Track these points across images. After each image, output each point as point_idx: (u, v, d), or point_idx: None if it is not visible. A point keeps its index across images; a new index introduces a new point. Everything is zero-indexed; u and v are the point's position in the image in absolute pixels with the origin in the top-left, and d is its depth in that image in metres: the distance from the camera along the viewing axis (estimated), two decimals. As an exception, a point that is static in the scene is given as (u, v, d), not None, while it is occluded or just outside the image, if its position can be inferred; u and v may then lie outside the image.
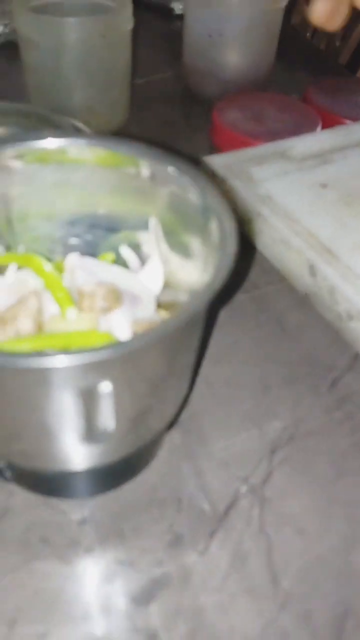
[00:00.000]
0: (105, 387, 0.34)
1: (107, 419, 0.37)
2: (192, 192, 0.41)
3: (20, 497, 0.46)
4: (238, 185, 0.70)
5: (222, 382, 0.54)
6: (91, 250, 0.50)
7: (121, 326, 0.41)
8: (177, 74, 0.94)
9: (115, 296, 0.41)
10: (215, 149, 0.79)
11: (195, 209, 0.41)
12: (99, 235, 0.49)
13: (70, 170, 0.45)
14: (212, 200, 0.40)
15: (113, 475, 0.46)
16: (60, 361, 0.30)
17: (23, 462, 0.41)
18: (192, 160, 0.45)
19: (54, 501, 0.46)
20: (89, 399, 0.35)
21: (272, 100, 0.84)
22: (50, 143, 0.44)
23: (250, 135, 0.78)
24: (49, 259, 0.49)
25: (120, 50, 0.75)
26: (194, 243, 0.43)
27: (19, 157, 0.43)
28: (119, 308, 0.41)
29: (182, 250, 0.45)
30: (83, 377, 0.33)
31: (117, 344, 0.31)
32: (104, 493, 0.46)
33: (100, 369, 0.33)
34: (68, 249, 0.49)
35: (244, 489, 0.47)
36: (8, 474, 0.44)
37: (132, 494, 0.46)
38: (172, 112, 0.87)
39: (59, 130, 0.68)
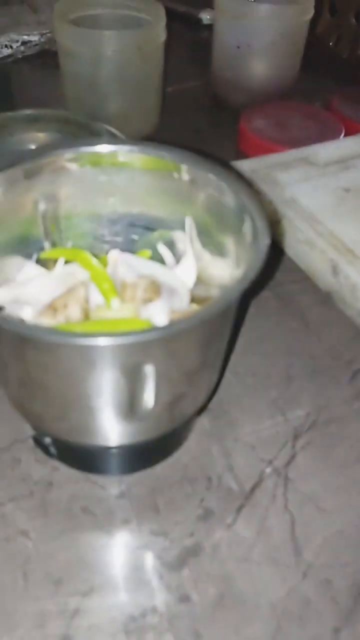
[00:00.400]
0: (146, 368, 0.38)
1: (146, 398, 0.41)
2: (228, 195, 0.45)
3: (64, 472, 0.50)
4: (264, 189, 0.74)
5: (249, 372, 0.58)
6: (130, 247, 0.54)
7: (160, 315, 0.45)
8: (206, 83, 0.99)
9: (155, 288, 0.45)
10: (241, 154, 0.83)
11: (230, 210, 0.45)
12: (137, 233, 0.53)
13: (115, 173, 0.49)
14: (247, 201, 0.44)
15: (149, 454, 0.50)
16: (107, 340, 0.34)
17: (68, 437, 0.45)
18: (222, 163, 0.48)
19: (94, 477, 0.50)
20: (130, 379, 0.39)
21: (297, 108, 0.88)
22: (103, 148, 0.48)
23: (276, 142, 0.81)
24: (93, 255, 0.54)
25: (154, 61, 0.79)
26: (227, 242, 0.47)
27: (74, 160, 0.47)
28: (158, 299, 0.45)
29: (215, 248, 0.49)
30: (126, 357, 0.37)
31: (158, 328, 0.35)
32: (140, 471, 0.50)
33: (142, 349, 0.37)
34: (109, 245, 0.54)
35: (269, 470, 0.51)
36: (53, 450, 0.49)
37: (166, 472, 0.50)
38: (200, 119, 0.91)
39: (96, 135, 0.72)
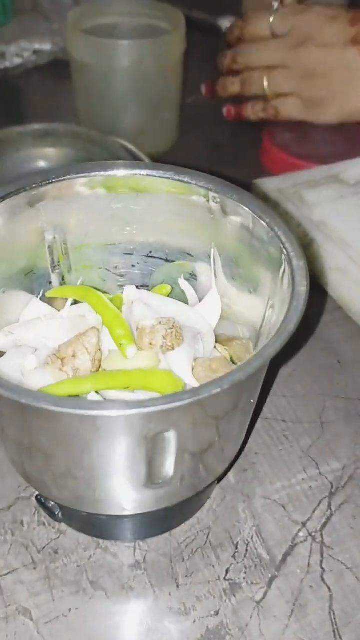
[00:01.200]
0: (166, 435, 0.33)
1: (165, 467, 0.35)
2: (258, 224, 0.40)
3: (71, 537, 0.44)
4: (292, 210, 0.68)
5: (278, 417, 0.52)
6: (146, 281, 0.49)
7: (183, 365, 0.39)
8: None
9: (177, 333, 0.40)
10: (266, 171, 0.77)
11: (261, 242, 0.40)
12: (155, 265, 0.48)
13: (133, 199, 0.43)
14: (283, 237, 0.39)
15: (167, 518, 0.44)
16: (120, 411, 0.29)
17: (76, 506, 0.39)
18: (244, 185, 0.43)
19: (105, 543, 0.44)
20: (147, 447, 0.33)
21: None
22: (120, 172, 0.43)
23: (302, 158, 0.76)
24: (101, 289, 0.48)
25: (173, 72, 0.74)
26: (258, 276, 0.41)
27: (86, 185, 0.42)
28: (180, 346, 0.40)
29: (244, 283, 0.43)
30: (143, 426, 0.31)
31: (181, 395, 0.29)
32: (156, 535, 0.44)
33: (162, 418, 0.31)
34: (123, 279, 0.48)
35: (302, 534, 0.45)
36: (59, 513, 0.43)
37: (187, 536, 0.45)
38: (220, 133, 0.86)
39: (110, 151, 0.67)
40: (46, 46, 1.04)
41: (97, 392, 0.36)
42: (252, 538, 0.45)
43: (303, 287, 0.35)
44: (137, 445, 0.32)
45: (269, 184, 0.71)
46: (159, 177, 0.42)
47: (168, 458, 0.34)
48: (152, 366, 0.39)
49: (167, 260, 0.47)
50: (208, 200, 0.41)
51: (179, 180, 0.42)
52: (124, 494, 0.37)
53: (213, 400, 0.31)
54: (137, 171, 0.42)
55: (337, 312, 0.62)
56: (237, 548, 0.44)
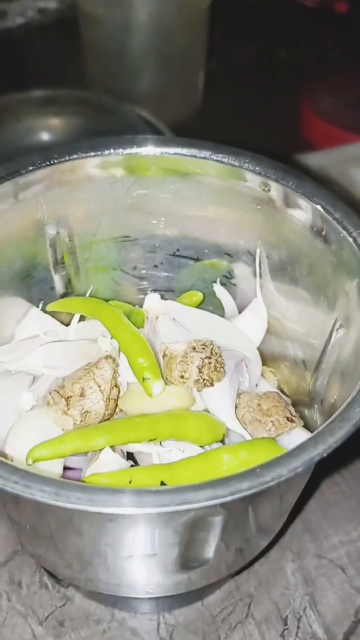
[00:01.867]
0: (203, 525, 0.24)
1: (202, 553, 0.26)
2: (322, 219, 0.30)
3: (80, 605, 0.36)
4: (338, 191, 0.58)
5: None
6: (170, 284, 0.39)
7: (224, 405, 0.30)
8: (257, 55, 0.82)
9: (217, 363, 0.30)
10: (306, 145, 0.67)
11: (330, 244, 0.30)
12: (181, 264, 0.39)
13: (159, 185, 0.34)
14: (355, 233, 0.29)
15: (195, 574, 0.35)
16: (140, 509, 0.19)
17: (92, 588, 0.31)
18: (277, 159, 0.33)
19: (122, 614, 0.35)
20: (183, 532, 0.24)
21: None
22: (146, 150, 0.33)
23: (351, 129, 0.65)
24: (116, 296, 0.39)
25: (198, 28, 0.64)
26: (325, 287, 0.32)
27: (98, 166, 0.33)
28: (221, 379, 0.30)
29: (302, 292, 0.34)
30: (177, 518, 0.22)
31: (241, 480, 0.20)
32: (184, 606, 0.36)
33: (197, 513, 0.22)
34: (145, 283, 0.39)
35: (367, 605, 0.36)
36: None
37: (222, 606, 0.36)
38: (252, 99, 0.75)
39: (124, 121, 0.57)
40: (52, 3, 0.93)
41: (112, 447, 0.27)
42: (304, 610, 0.36)
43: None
44: (169, 532, 0.23)
45: (310, 160, 0.61)
46: (198, 157, 0.32)
47: (209, 542, 0.25)
48: (184, 407, 0.29)
49: (197, 260, 0.38)
50: (259, 187, 0.32)
51: (224, 162, 0.32)
52: (147, 579, 0.28)
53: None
54: (168, 149, 0.32)
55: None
56: (286, 624, 0.35)
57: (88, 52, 0.67)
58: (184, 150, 0.33)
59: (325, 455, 0.21)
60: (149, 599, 0.35)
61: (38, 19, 0.92)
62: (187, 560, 0.26)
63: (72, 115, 0.59)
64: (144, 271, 0.39)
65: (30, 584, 0.37)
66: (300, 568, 0.38)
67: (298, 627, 0.35)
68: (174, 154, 0.33)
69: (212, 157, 0.33)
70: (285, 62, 0.81)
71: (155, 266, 0.38)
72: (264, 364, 0.38)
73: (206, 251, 0.37)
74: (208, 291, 0.39)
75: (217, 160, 0.33)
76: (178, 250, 0.38)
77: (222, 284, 0.38)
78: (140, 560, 0.26)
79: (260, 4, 0.82)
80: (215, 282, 0.38)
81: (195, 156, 0.33)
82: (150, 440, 0.28)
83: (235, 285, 0.38)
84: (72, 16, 0.80)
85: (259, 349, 0.37)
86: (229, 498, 0.19)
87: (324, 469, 0.42)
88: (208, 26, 0.66)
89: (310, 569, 0.37)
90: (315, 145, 0.65)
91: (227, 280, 0.38)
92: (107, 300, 0.37)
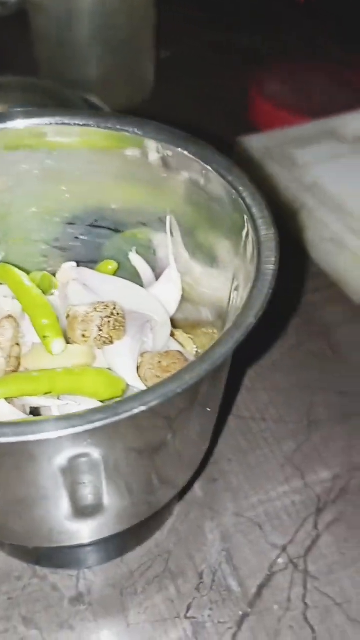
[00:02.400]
0: (93, 456, 0.25)
1: (96, 492, 0.27)
2: (217, 182, 0.32)
3: (2, 563, 0.37)
4: (279, 172, 0.59)
5: (257, 416, 0.44)
6: (93, 255, 0.40)
7: (125, 361, 0.31)
8: (207, 43, 0.83)
9: (117, 322, 0.31)
10: (253, 127, 0.68)
11: (222, 203, 0.32)
12: (101, 235, 0.40)
13: (63, 157, 0.35)
14: (245, 193, 0.30)
15: (117, 540, 0.37)
16: (18, 436, 0.21)
17: (5, 539, 0.32)
18: (222, 142, 0.35)
19: (44, 571, 0.37)
20: (72, 471, 0.25)
21: (319, 69, 0.73)
22: (41, 121, 0.34)
23: (294, 112, 0.66)
24: (44, 268, 0.40)
25: (143, 14, 0.65)
26: (221, 247, 0.33)
27: (2, 139, 0.34)
28: (121, 337, 0.32)
29: (206, 255, 0.35)
30: (64, 449, 0.24)
31: (102, 410, 0.21)
32: (104, 563, 0.37)
33: (82, 439, 0.23)
34: (65, 254, 0.40)
35: (282, 560, 0.37)
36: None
37: (141, 562, 0.37)
38: (204, 85, 0.76)
39: (71, 106, 0.59)
40: (13, -4, 0.94)
41: (7, 400, 0.28)
42: (220, 565, 0.37)
43: (271, 265, 0.27)
44: (49, 472, 0.25)
45: (254, 142, 0.62)
46: (85, 126, 0.33)
47: (96, 486, 0.27)
48: (85, 364, 0.31)
49: (116, 231, 0.39)
50: (147, 153, 0.33)
51: (108, 128, 0.33)
52: (50, 526, 0.29)
53: (143, 417, 0.23)
54: (59, 119, 0.33)
55: (331, 290, 0.54)
56: (201, 578, 0.37)
57: (37, 40, 0.68)
58: (93, 122, 0.34)
59: (179, 390, 0.22)
60: (70, 555, 0.36)
61: (-1, 13, 0.93)
62: (79, 506, 0.28)
63: (17, 101, 0.60)
64: (65, 243, 0.40)
65: None
66: (218, 526, 0.39)
67: (213, 581, 0.37)
68: (84, 125, 0.34)
69: (117, 128, 0.34)
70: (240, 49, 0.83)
71: (76, 238, 0.39)
72: (184, 331, 0.39)
73: (123, 222, 0.39)
74: (129, 261, 0.40)
75: (122, 130, 0.34)
76: (96, 221, 0.39)
77: (141, 253, 0.39)
78: (37, 505, 0.27)
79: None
80: (129, 251, 0.39)
81: (108, 128, 0.34)
82: (47, 393, 0.29)
83: (155, 254, 0.39)
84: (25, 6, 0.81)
85: (177, 317, 0.38)
86: (81, 429, 0.21)
87: (249, 432, 0.43)
88: (154, 13, 0.67)
89: (228, 527, 0.39)
90: (262, 127, 0.67)
91: (147, 250, 0.39)
92: (29, 273, 0.39)
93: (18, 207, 0.37)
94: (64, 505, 0.27)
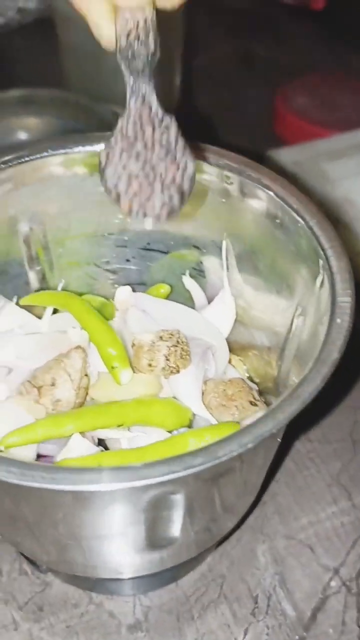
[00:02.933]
0: (171, 499, 0.25)
1: (170, 530, 0.27)
2: (284, 210, 0.32)
3: (59, 590, 0.37)
4: (311, 186, 0.59)
5: (302, 437, 0.44)
6: (142, 277, 0.40)
7: (190, 391, 0.31)
8: (233, 52, 0.83)
9: (183, 351, 0.31)
10: (279, 141, 0.68)
11: (287, 231, 0.32)
12: (152, 258, 0.40)
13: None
14: (316, 227, 0.30)
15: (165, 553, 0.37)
16: (114, 484, 0.21)
17: (66, 571, 0.32)
18: (249, 154, 0.35)
19: (100, 597, 0.37)
20: (148, 510, 0.25)
21: (346, 81, 0.73)
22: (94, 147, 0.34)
23: (322, 124, 0.66)
24: (92, 290, 0.40)
25: (173, 27, 0.64)
26: (285, 275, 0.33)
27: (67, 164, 0.34)
28: (187, 366, 0.32)
29: (265, 281, 0.35)
30: (139, 495, 0.24)
31: (192, 458, 0.21)
32: (160, 588, 0.37)
33: (166, 485, 0.23)
34: (116, 276, 0.40)
35: (334, 583, 0.37)
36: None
37: (195, 587, 0.37)
38: (228, 97, 0.76)
39: (102, 120, 0.58)
40: (31, 3, 0.93)
41: (82, 434, 0.28)
42: (274, 589, 0.37)
43: (347, 298, 0.27)
44: (134, 510, 0.25)
45: (284, 156, 0.62)
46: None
47: (174, 520, 0.27)
48: (152, 394, 0.31)
49: (167, 253, 0.39)
50: (222, 181, 0.33)
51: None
52: (120, 559, 0.29)
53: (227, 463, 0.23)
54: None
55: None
56: (256, 602, 0.37)
57: (65, 53, 0.67)
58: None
59: (275, 431, 0.22)
60: (125, 581, 0.36)
61: (17, 19, 0.93)
62: (154, 539, 0.28)
63: (49, 115, 0.60)
64: (116, 265, 0.40)
65: (10, 571, 0.38)
66: (270, 549, 0.39)
67: (268, 605, 0.37)
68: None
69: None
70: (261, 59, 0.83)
71: (127, 260, 0.40)
72: (234, 353, 0.39)
73: (177, 245, 0.39)
74: (179, 284, 0.40)
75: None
76: (149, 244, 0.39)
77: (192, 276, 0.39)
78: (109, 540, 0.27)
79: (238, 1, 0.83)
80: (185, 274, 0.39)
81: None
82: (118, 426, 0.29)
83: (204, 277, 0.40)
84: (51, 16, 0.81)
85: (228, 339, 0.38)
86: (182, 473, 0.21)
87: (296, 454, 0.43)
88: (184, 24, 0.67)
89: (279, 549, 0.39)
90: (289, 141, 0.67)
91: (197, 272, 0.39)
92: (81, 295, 0.39)
93: (74, 231, 0.37)
94: (139, 539, 0.27)
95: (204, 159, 0.34)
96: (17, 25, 0.91)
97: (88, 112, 0.59)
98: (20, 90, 0.62)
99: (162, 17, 0.67)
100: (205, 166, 0.34)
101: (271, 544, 0.39)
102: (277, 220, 0.32)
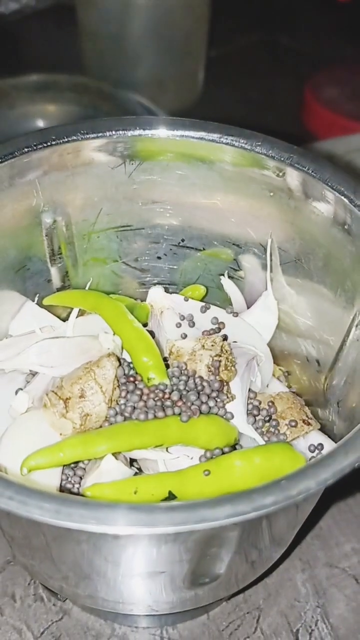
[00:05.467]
0: (223, 538, 0.21)
1: (215, 566, 0.24)
2: (353, 215, 0.28)
3: (78, 619, 0.33)
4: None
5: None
6: (173, 277, 0.37)
7: (235, 407, 0.27)
8: (259, 41, 0.80)
9: (228, 361, 0.28)
10: (309, 135, 0.64)
11: (353, 236, 0.28)
12: (185, 256, 0.36)
13: (164, 170, 0.32)
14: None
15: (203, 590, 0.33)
16: (167, 527, 0.17)
17: (92, 605, 0.28)
18: None
19: (123, 629, 0.33)
20: (192, 551, 0.22)
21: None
22: (158, 132, 0.31)
23: (352, 118, 0.63)
24: (116, 290, 0.36)
25: (199, 13, 0.61)
26: (345, 281, 0.30)
27: (100, 149, 0.30)
28: (232, 379, 0.28)
29: (317, 287, 0.32)
30: (191, 535, 0.20)
31: (282, 489, 0.18)
32: (188, 620, 0.33)
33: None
34: (146, 275, 0.37)
35: (383, 618, 0.34)
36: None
37: (229, 620, 0.34)
38: (254, 87, 0.73)
39: (124, 108, 0.55)
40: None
41: (114, 455, 0.25)
42: (316, 624, 0.34)
43: None
44: (180, 550, 0.21)
45: (317, 150, 0.58)
46: (207, 140, 0.30)
47: (222, 557, 0.23)
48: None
49: (202, 251, 0.36)
50: (277, 174, 0.29)
51: (235, 145, 0.29)
52: (155, 598, 0.26)
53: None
54: (174, 131, 0.30)
55: None
56: (296, 636, 0.33)
57: (85, 38, 0.64)
58: (192, 133, 0.31)
59: (357, 465, 0.19)
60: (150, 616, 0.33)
61: (32, 5, 0.89)
62: (196, 577, 0.24)
63: (68, 102, 0.57)
64: (146, 263, 0.36)
65: (24, 597, 0.34)
66: (310, 578, 0.35)
67: (310, 641, 0.33)
68: (181, 136, 0.31)
69: (221, 139, 0.31)
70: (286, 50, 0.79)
71: (159, 257, 0.36)
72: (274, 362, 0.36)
73: (214, 242, 0.35)
74: (213, 285, 0.36)
75: (226, 143, 0.31)
76: (183, 240, 0.35)
77: (229, 276, 0.36)
78: (145, 578, 0.24)
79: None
80: (222, 274, 0.35)
81: (203, 139, 0.31)
82: (157, 446, 0.25)
83: (242, 278, 0.36)
84: (67, 2, 0.77)
85: (268, 346, 0.35)
86: (252, 515, 0.17)
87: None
88: (209, 10, 0.64)
89: (321, 579, 0.35)
90: (319, 135, 0.63)
91: (234, 272, 0.36)
92: (107, 294, 0.35)
93: (101, 224, 0.34)
94: (180, 578, 0.24)
95: (251, 147, 0.31)
96: (31, 11, 0.88)
97: (110, 100, 0.56)
98: (38, 75, 0.59)
99: (188, 6, 0.64)
100: (254, 156, 0.31)
101: (311, 573, 0.36)
102: (339, 219, 0.29)
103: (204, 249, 0.36)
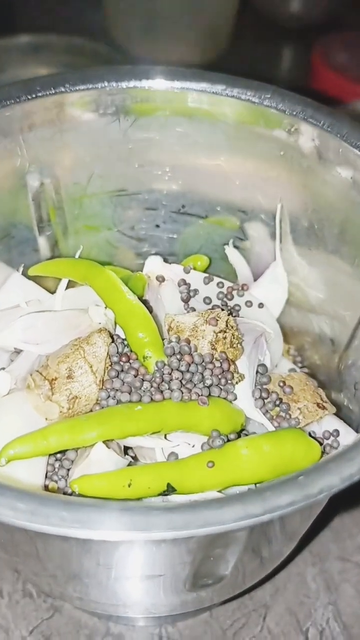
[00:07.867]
0: (230, 538, 0.19)
1: (220, 567, 0.21)
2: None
3: (70, 617, 0.31)
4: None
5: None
6: (172, 247, 0.34)
7: (244, 389, 0.25)
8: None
9: (234, 337, 0.25)
10: (318, 101, 0.61)
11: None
12: (186, 223, 0.33)
13: (162, 127, 0.28)
14: None
15: (206, 592, 0.31)
16: (169, 532, 0.14)
17: (86, 608, 0.26)
18: None
19: (118, 627, 0.31)
20: (196, 553, 0.19)
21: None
22: (155, 83, 0.27)
23: (360, 82, 0.60)
24: (111, 261, 0.33)
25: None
26: (351, 248, 0.27)
27: (91, 103, 0.27)
28: (239, 357, 0.25)
29: (332, 258, 0.29)
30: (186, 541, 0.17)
31: (299, 488, 0.15)
32: (190, 618, 0.31)
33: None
34: (142, 245, 0.34)
35: None
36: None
37: (234, 618, 0.31)
38: (259, 52, 0.69)
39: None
40: None
41: (105, 443, 0.22)
42: (327, 622, 0.31)
43: None
44: (181, 552, 0.19)
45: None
46: (210, 92, 0.27)
47: (227, 558, 0.21)
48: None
49: (205, 218, 0.32)
50: (289, 130, 0.26)
51: (241, 98, 0.26)
52: (155, 601, 0.23)
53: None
54: (173, 82, 0.27)
55: None
56: (307, 638, 0.31)
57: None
58: (193, 84, 0.28)
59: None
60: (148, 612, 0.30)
61: None
62: (198, 579, 0.22)
63: (62, 64, 0.53)
64: (143, 232, 0.34)
65: (12, 593, 0.32)
66: (321, 572, 0.33)
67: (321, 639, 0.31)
68: (181, 88, 0.28)
69: (226, 91, 0.28)
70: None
71: (157, 226, 0.33)
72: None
73: (217, 208, 0.32)
74: (217, 255, 0.33)
75: (232, 96, 0.28)
76: (183, 206, 0.32)
77: (234, 246, 0.33)
78: (142, 581, 0.21)
79: None
80: (227, 244, 0.32)
81: (206, 91, 0.28)
82: (154, 432, 0.22)
83: (248, 248, 0.33)
84: None
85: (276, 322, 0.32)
86: (265, 517, 0.14)
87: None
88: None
89: (332, 573, 0.33)
90: (328, 101, 0.60)
91: (239, 242, 0.33)
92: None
93: (94, 188, 0.31)
94: (181, 580, 0.21)
95: (259, 100, 0.27)
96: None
97: (106, 62, 0.52)
98: (29, 36, 0.55)
99: None
100: (263, 110, 0.27)
101: (322, 567, 0.33)
102: (355, 178, 0.26)
103: (206, 216, 0.33)
